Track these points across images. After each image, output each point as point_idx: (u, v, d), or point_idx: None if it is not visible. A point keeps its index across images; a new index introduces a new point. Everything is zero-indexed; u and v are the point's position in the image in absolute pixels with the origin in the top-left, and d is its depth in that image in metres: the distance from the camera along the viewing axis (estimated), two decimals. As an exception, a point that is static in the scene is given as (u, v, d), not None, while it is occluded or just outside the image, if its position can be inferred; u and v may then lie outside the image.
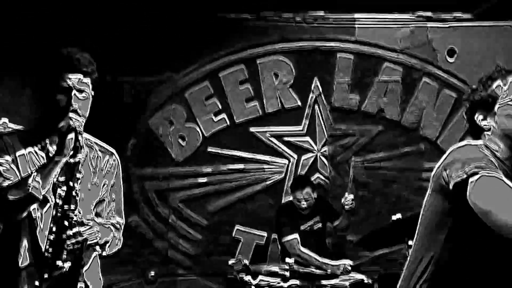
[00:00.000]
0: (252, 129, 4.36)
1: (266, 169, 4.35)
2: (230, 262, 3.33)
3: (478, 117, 1.58)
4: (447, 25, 4.30)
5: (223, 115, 4.36)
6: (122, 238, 1.97)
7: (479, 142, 1.57)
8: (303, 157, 4.35)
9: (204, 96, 4.37)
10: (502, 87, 1.54)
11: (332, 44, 4.35)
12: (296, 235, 3.64)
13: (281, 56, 4.37)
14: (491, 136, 1.56)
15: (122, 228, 1.99)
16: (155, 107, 4.32)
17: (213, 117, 4.36)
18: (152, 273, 4.18)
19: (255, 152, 4.34)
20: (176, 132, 4.33)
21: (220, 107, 4.36)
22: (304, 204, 3.62)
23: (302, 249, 3.60)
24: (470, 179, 1.38)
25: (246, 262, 3.34)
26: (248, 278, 3.14)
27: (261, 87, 4.38)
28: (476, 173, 1.38)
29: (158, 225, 4.28)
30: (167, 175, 4.30)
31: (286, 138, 4.36)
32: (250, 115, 4.37)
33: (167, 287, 4.20)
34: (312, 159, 4.35)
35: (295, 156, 4.35)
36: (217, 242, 4.27)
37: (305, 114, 4.36)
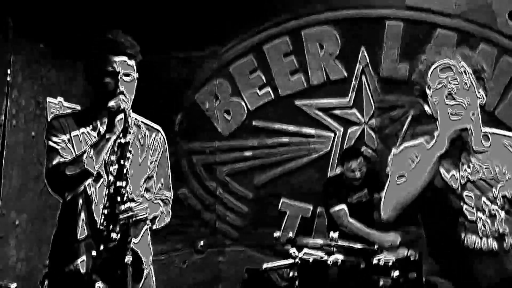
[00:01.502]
0: (297, 102, 4.30)
1: (311, 142, 4.30)
2: (275, 234, 3.36)
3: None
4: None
5: (268, 89, 4.34)
6: (170, 212, 2.08)
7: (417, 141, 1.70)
8: (350, 130, 4.24)
9: (249, 70, 4.35)
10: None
11: (381, 11, 4.13)
12: (344, 206, 3.63)
13: (327, 26, 4.23)
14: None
15: (171, 202, 2.09)
16: (201, 82, 4.38)
17: (258, 91, 4.35)
18: (201, 243, 4.34)
19: (301, 125, 4.30)
20: (221, 106, 4.38)
21: (264, 80, 4.34)
22: (357, 175, 3.61)
23: (350, 219, 3.57)
24: None
25: (292, 234, 3.37)
26: (293, 250, 3.17)
27: (306, 59, 4.28)
28: None
29: (206, 198, 4.41)
30: (213, 149, 4.38)
31: (332, 111, 4.27)
32: (295, 88, 4.30)
33: (215, 257, 4.36)
34: (359, 132, 4.23)
35: (341, 129, 4.25)
36: (263, 214, 4.32)
37: (352, 85, 4.23)
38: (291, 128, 4.31)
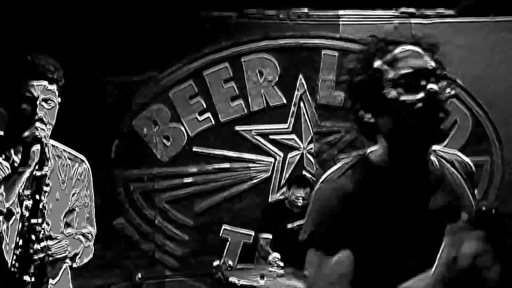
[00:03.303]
0: (238, 128, 4.33)
1: (252, 168, 4.32)
2: (215, 263, 3.32)
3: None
4: (430, 21, 4.31)
5: (208, 114, 4.32)
6: (93, 248, 1.93)
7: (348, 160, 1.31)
8: (289, 155, 4.34)
9: (188, 95, 4.32)
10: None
11: (317, 41, 4.33)
12: (270, 236, 3.71)
13: (265, 54, 4.34)
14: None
15: (93, 237, 1.94)
16: (139, 108, 4.25)
17: (198, 117, 4.32)
18: (139, 275, 4.12)
19: (241, 151, 4.31)
20: (160, 132, 4.27)
21: (204, 106, 4.32)
22: (300, 203, 3.66)
23: (270, 251, 3.59)
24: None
25: (231, 262, 3.33)
26: (233, 279, 3.12)
27: (246, 86, 4.34)
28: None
29: (144, 227, 4.23)
30: (152, 176, 4.25)
31: (271, 136, 4.34)
32: (235, 113, 4.33)
33: (154, 289, 4.17)
34: (298, 156, 4.34)
35: (281, 154, 4.34)
36: (204, 242, 4.24)
37: (291, 112, 4.35)
38: (232, 153, 4.31)
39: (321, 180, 1.31)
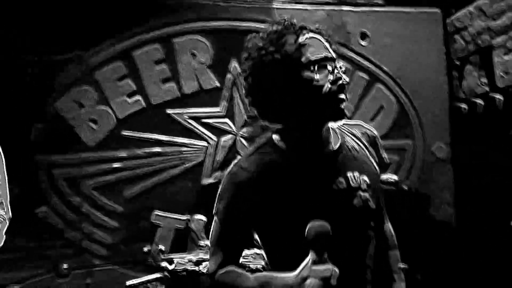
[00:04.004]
0: (169, 111, 4.21)
1: (184, 152, 4.24)
2: (145, 249, 3.25)
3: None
4: (360, 9, 4.43)
5: (138, 97, 4.16)
6: (4, 235, 1.87)
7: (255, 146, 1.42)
8: (222, 139, 4.30)
9: (117, 77, 4.12)
10: None
11: (250, 24, 4.29)
12: (204, 218, 3.64)
13: (198, 35, 4.24)
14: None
15: (8, 222, 1.87)
16: (63, 89, 3.99)
17: (127, 99, 4.14)
18: (65, 265, 3.93)
19: (173, 135, 4.21)
20: (86, 115, 4.05)
21: (134, 88, 4.15)
22: None
23: (203, 234, 3.57)
24: None
25: (162, 247, 3.27)
26: (164, 264, 3.06)
27: (178, 68, 4.22)
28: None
29: (70, 215, 4.01)
30: (78, 161, 4.03)
31: (204, 120, 4.27)
32: (167, 96, 4.21)
33: (82, 279, 3.98)
34: (232, 141, 4.31)
35: (214, 138, 4.29)
36: (135, 229, 4.11)
37: (224, 95, 4.30)
38: (163, 137, 4.19)
39: (232, 163, 1.41)
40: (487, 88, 4.09)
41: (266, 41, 1.38)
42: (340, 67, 1.36)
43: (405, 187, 4.08)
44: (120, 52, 4.10)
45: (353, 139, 1.48)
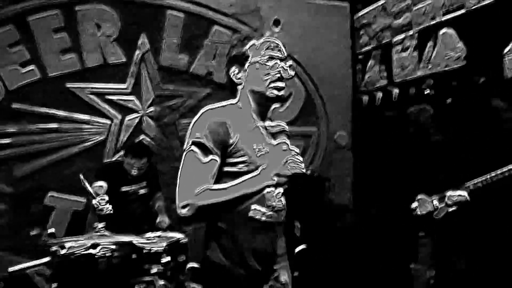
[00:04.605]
0: (69, 85, 3.89)
1: (85, 130, 3.95)
2: (32, 232, 3.00)
3: (234, 71, 1.77)
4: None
5: (33, 67, 3.78)
6: None
7: (223, 103, 1.77)
8: (127, 118, 4.07)
9: (8, 43, 3.70)
10: (255, 46, 1.75)
11: (163, 0, 4.09)
12: (104, 184, 3.37)
13: (104, 5, 3.94)
14: (243, 90, 1.77)
15: None
16: None
17: (20, 68, 3.74)
18: None
19: (72, 111, 3.90)
20: (-30, 83, 3.60)
21: (28, 57, 3.76)
22: (135, 172, 3.45)
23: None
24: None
25: (52, 230, 3.02)
26: (55, 248, 2.84)
27: (80, 38, 3.90)
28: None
29: None
30: (-42, 135, 3.57)
31: (108, 97, 4.01)
32: (66, 68, 3.87)
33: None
34: (137, 120, 4.11)
35: (119, 116, 4.05)
36: (25, 211, 3.76)
37: (131, 71, 4.06)
38: (61, 113, 3.87)
39: (202, 110, 1.72)
40: (385, 82, 4.34)
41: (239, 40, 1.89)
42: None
43: (309, 172, 4.22)
44: (13, 16, 3.68)
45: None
